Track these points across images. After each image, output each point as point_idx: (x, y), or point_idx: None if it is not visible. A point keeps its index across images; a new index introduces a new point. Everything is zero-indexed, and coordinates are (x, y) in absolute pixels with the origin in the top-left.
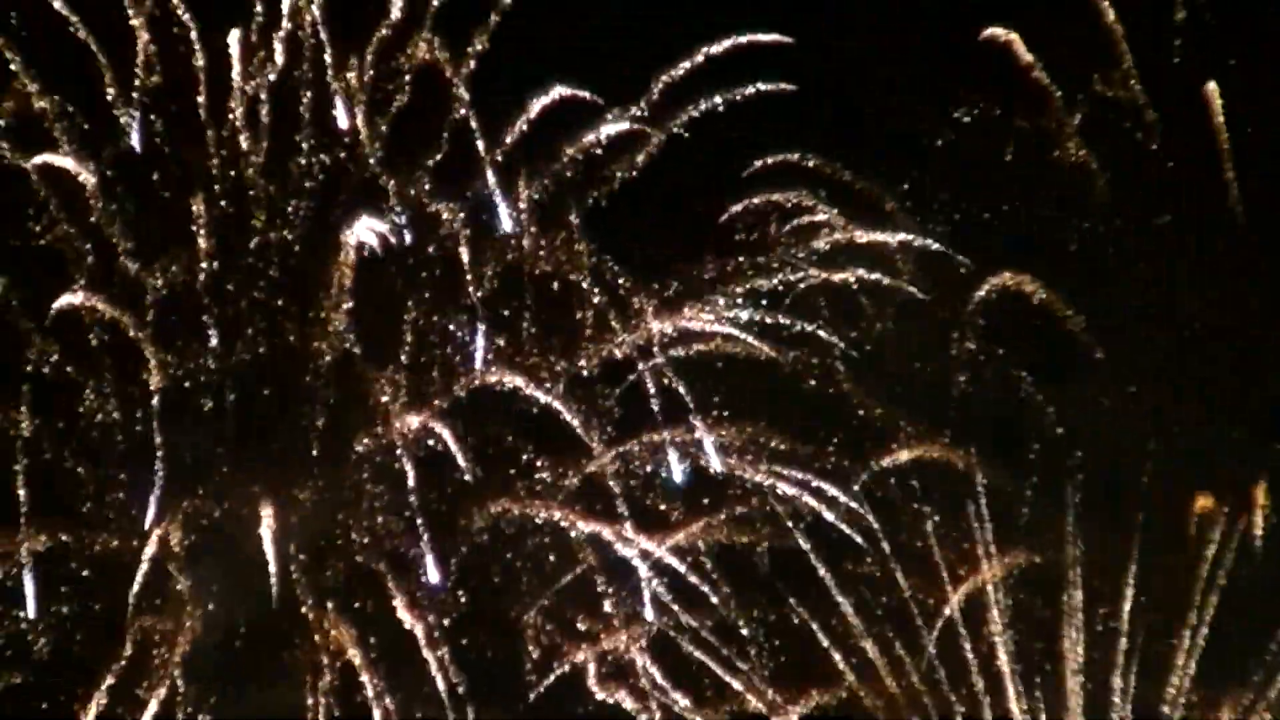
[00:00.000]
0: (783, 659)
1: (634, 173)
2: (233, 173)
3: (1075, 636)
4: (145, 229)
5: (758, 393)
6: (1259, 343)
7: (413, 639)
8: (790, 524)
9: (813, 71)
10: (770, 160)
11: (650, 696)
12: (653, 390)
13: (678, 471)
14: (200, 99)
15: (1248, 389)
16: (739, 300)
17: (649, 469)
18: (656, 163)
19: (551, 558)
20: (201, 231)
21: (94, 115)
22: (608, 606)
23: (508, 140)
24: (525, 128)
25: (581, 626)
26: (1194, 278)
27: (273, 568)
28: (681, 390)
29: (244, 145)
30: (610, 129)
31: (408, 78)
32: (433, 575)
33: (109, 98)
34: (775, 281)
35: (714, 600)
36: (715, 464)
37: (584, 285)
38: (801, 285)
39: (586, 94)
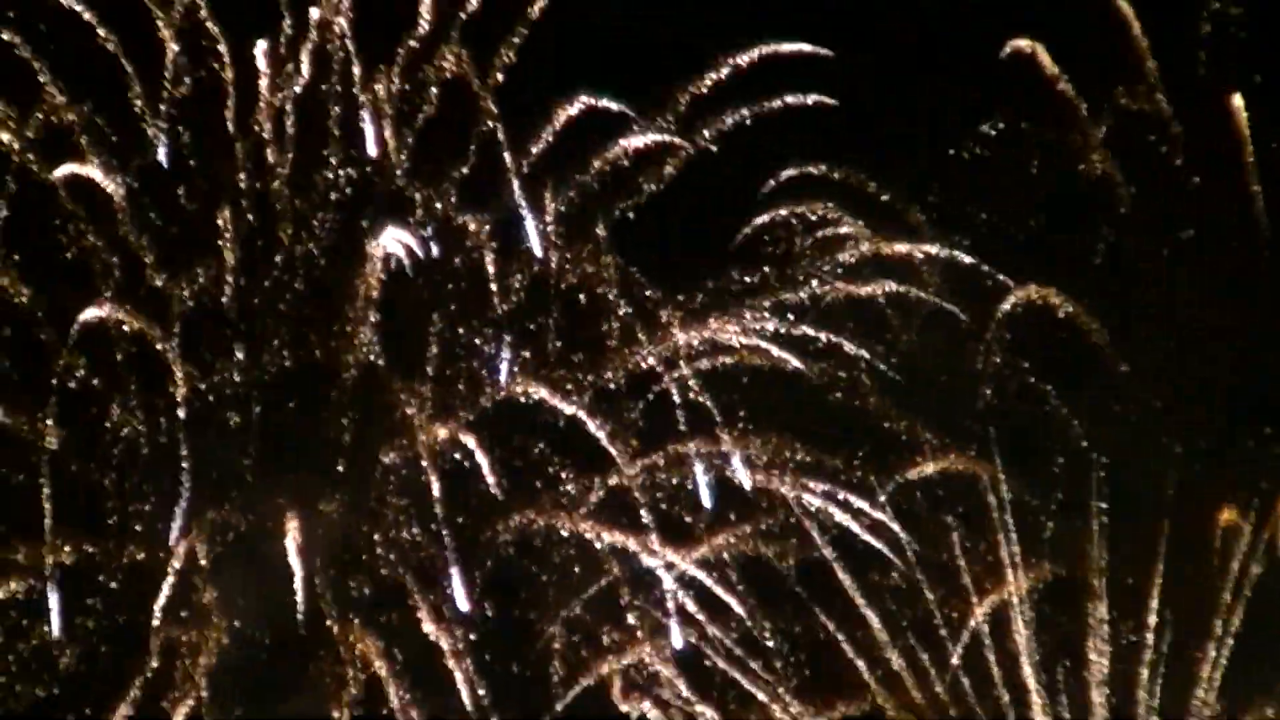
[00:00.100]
0: (808, 671)
1: (661, 185)
2: (259, 185)
3: (1100, 648)
4: (172, 241)
5: (783, 405)
6: None
7: (438, 650)
8: (816, 536)
9: (837, 83)
10: (795, 172)
11: (675, 708)
12: (678, 402)
13: (706, 496)
14: (228, 111)
15: (1273, 400)
16: (765, 312)
17: (675, 481)
18: (681, 173)
19: (577, 570)
20: (228, 244)
21: (121, 127)
22: (633, 618)
23: (534, 152)
24: (552, 139)
25: (607, 639)
26: (1218, 290)
27: (298, 580)
28: (707, 403)
29: (271, 157)
30: (638, 140)
31: (434, 90)
32: (460, 602)
33: (137, 109)
34: (801, 294)
35: (739, 612)
36: (744, 480)
37: (610, 298)
38: (827, 298)
39: (613, 105)
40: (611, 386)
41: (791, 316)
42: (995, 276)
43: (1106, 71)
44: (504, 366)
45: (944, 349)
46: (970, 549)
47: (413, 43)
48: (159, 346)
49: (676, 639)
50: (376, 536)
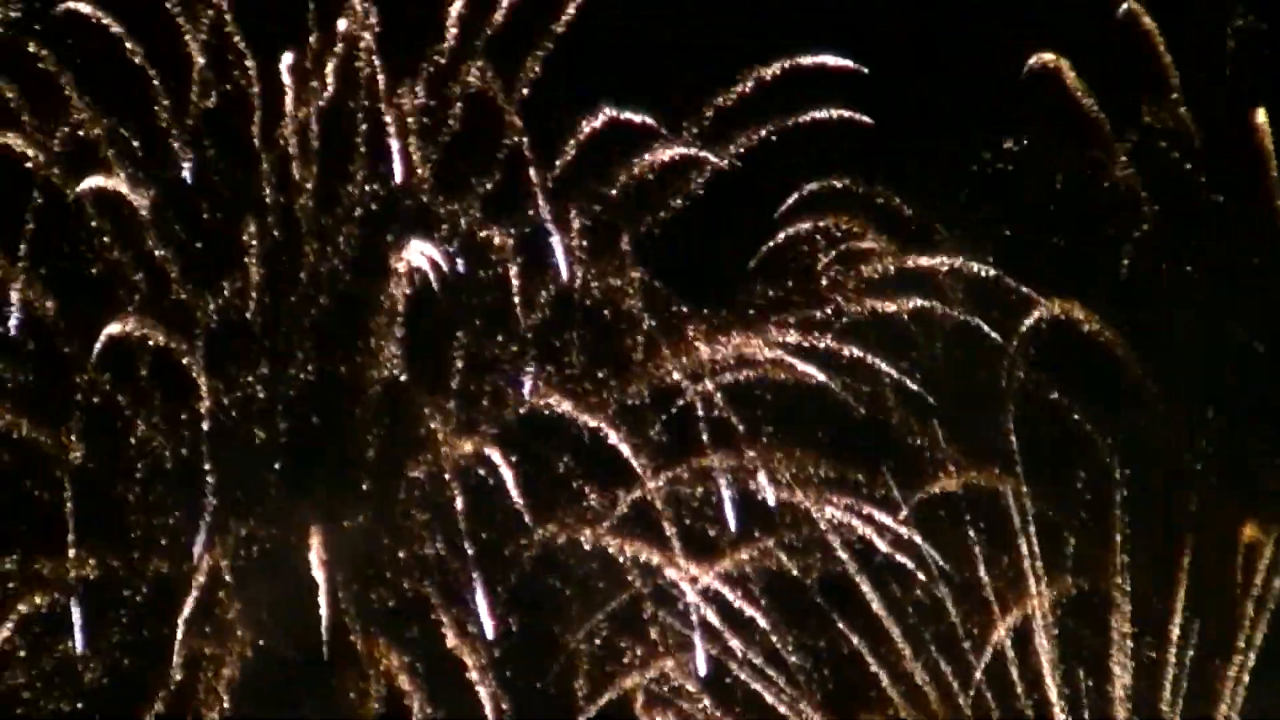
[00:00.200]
0: (831, 685)
1: (687, 201)
2: (284, 199)
3: (1123, 662)
4: (197, 255)
5: (807, 419)
6: None
7: (461, 664)
8: (839, 550)
9: (861, 97)
10: (818, 186)
11: None
12: (702, 416)
13: (730, 513)
14: (254, 125)
15: None
16: (789, 327)
17: (698, 495)
18: (706, 187)
19: (601, 584)
20: (253, 258)
21: (147, 141)
22: (656, 633)
23: (561, 164)
24: (577, 153)
25: (631, 653)
26: (1241, 305)
27: (322, 593)
28: (731, 418)
29: (296, 172)
30: (663, 155)
31: (459, 105)
32: (485, 622)
33: (163, 123)
34: (826, 309)
35: (763, 625)
36: (768, 496)
37: (635, 312)
38: (851, 312)
39: (637, 117)
40: (634, 402)
41: (815, 330)
42: (1019, 291)
43: (1131, 87)
44: (528, 381)
45: (968, 364)
46: (993, 563)
47: (438, 57)
48: (184, 360)
49: (701, 664)
50: (401, 551)
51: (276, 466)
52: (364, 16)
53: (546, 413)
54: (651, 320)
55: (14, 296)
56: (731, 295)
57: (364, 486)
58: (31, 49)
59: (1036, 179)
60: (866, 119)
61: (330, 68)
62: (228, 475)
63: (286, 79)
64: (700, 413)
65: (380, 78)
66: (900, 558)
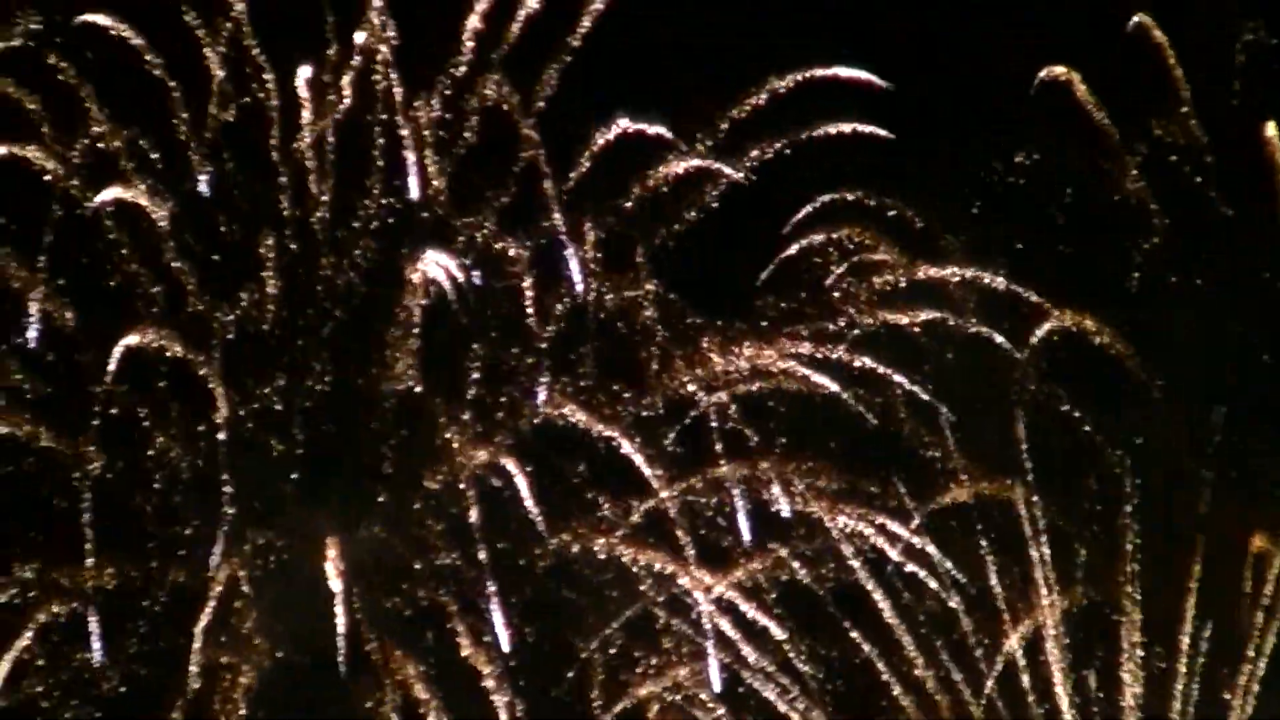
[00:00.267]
0: (844, 694)
1: (701, 213)
2: (300, 211)
3: (1133, 672)
4: (215, 266)
5: (820, 430)
6: None
7: (477, 673)
8: (852, 560)
9: (874, 109)
10: (830, 198)
11: None
12: (716, 427)
13: (744, 526)
14: (272, 137)
15: None
16: (801, 338)
17: (712, 504)
18: (718, 197)
19: (615, 593)
20: (270, 270)
21: (166, 152)
22: (671, 643)
23: (577, 175)
24: (592, 164)
25: (645, 662)
26: (1251, 316)
27: (338, 603)
28: (746, 430)
29: (313, 184)
30: (678, 167)
31: (476, 118)
32: (501, 635)
33: (181, 135)
34: (837, 319)
35: (777, 635)
36: (784, 508)
37: (649, 323)
38: (863, 323)
39: (651, 128)
40: (647, 414)
41: (828, 342)
42: (1030, 302)
43: (1141, 100)
44: (543, 392)
45: (979, 374)
46: (1004, 572)
47: (455, 70)
48: (201, 371)
49: (715, 673)
50: (416, 561)
51: (293, 477)
52: (381, 29)
53: (561, 423)
54: (665, 332)
55: (33, 308)
56: (745, 307)
57: (380, 496)
58: (51, 61)
59: (1047, 191)
60: (885, 133)
61: (347, 80)
62: (245, 485)
63: (304, 92)
64: (714, 423)
65: (397, 91)
66: (912, 567)
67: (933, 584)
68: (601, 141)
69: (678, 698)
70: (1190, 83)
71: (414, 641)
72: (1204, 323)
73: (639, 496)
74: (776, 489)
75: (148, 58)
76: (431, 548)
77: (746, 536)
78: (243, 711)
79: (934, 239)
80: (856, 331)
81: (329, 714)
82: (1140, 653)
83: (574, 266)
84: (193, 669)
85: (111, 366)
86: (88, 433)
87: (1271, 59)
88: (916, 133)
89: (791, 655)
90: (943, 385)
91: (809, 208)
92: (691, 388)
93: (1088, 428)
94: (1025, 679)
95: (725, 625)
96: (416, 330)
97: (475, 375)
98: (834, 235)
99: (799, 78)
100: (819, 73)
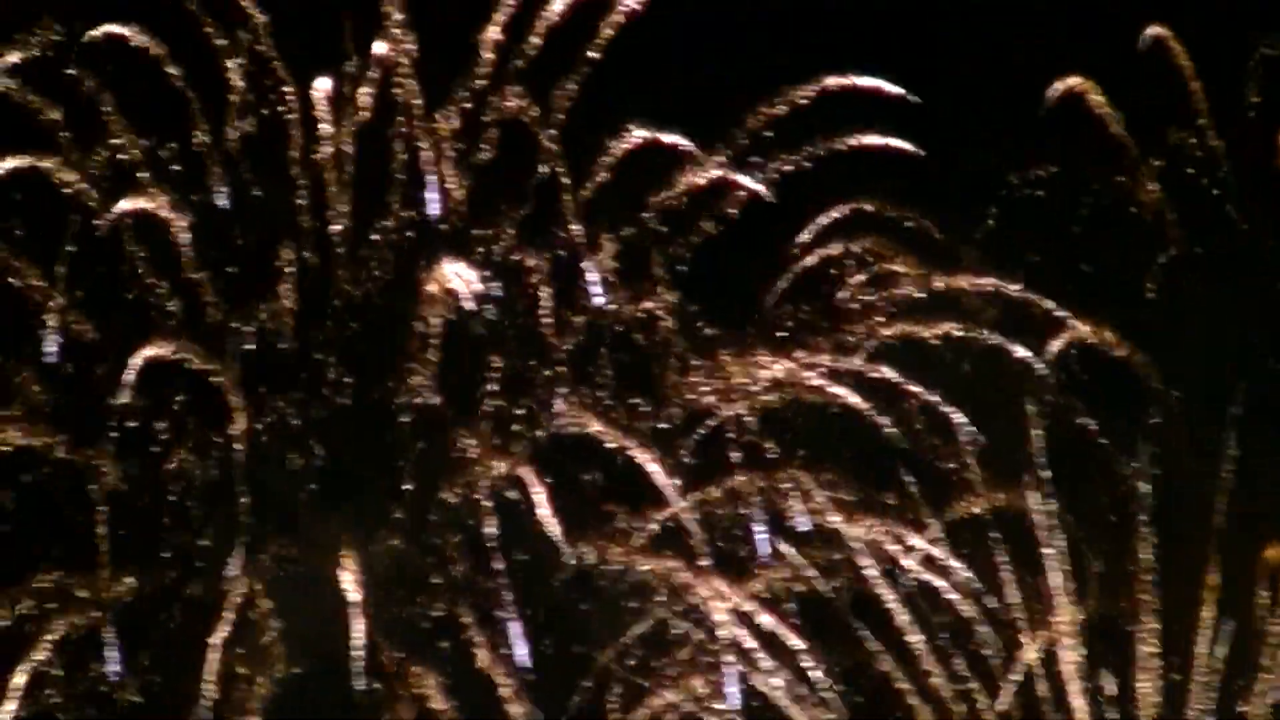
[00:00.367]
0: (861, 704)
1: (721, 225)
2: (318, 223)
3: (1150, 683)
4: (233, 278)
5: (837, 440)
6: None
7: (493, 685)
8: (869, 570)
9: (890, 119)
10: (848, 210)
11: None
12: (733, 437)
13: (762, 542)
14: (291, 149)
15: None
16: (818, 349)
17: (729, 515)
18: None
19: (632, 604)
20: (288, 282)
21: (185, 163)
22: (687, 653)
23: (595, 186)
24: (611, 174)
25: (662, 673)
26: (1269, 327)
27: (355, 614)
28: (763, 441)
29: (331, 196)
30: (699, 177)
31: (494, 131)
32: (518, 646)
33: (200, 147)
34: (854, 330)
35: (793, 645)
36: (804, 524)
37: (667, 335)
38: (880, 334)
39: (669, 138)
40: (665, 426)
41: (845, 353)
42: (1048, 313)
43: (1157, 111)
44: (560, 403)
45: (996, 385)
46: (1021, 584)
47: (475, 81)
48: (218, 383)
49: (732, 684)
50: (433, 573)
51: (311, 488)
52: (401, 41)
53: (578, 434)
54: (683, 343)
55: (51, 319)
56: (763, 318)
57: (397, 508)
58: (71, 71)
59: (1064, 203)
60: (910, 147)
61: (366, 92)
62: (262, 497)
63: (322, 104)
64: (730, 435)
65: (416, 102)
66: (929, 577)
67: (949, 594)
68: (620, 152)
69: (694, 709)
70: (1207, 93)
71: (431, 653)
72: (1221, 333)
73: (656, 508)
74: (796, 503)
75: (168, 69)
76: (449, 559)
77: (764, 550)
78: None
79: (951, 250)
80: (873, 342)
81: None
82: (1157, 663)
83: (592, 277)
84: (209, 680)
85: (128, 378)
86: (104, 444)
87: None
88: (933, 144)
89: (808, 665)
90: (960, 396)
91: (822, 219)
92: (709, 399)
93: (1104, 437)
94: (1041, 689)
95: (742, 635)
96: (434, 342)
97: (493, 387)
98: (851, 246)
99: (817, 88)
100: (838, 82)
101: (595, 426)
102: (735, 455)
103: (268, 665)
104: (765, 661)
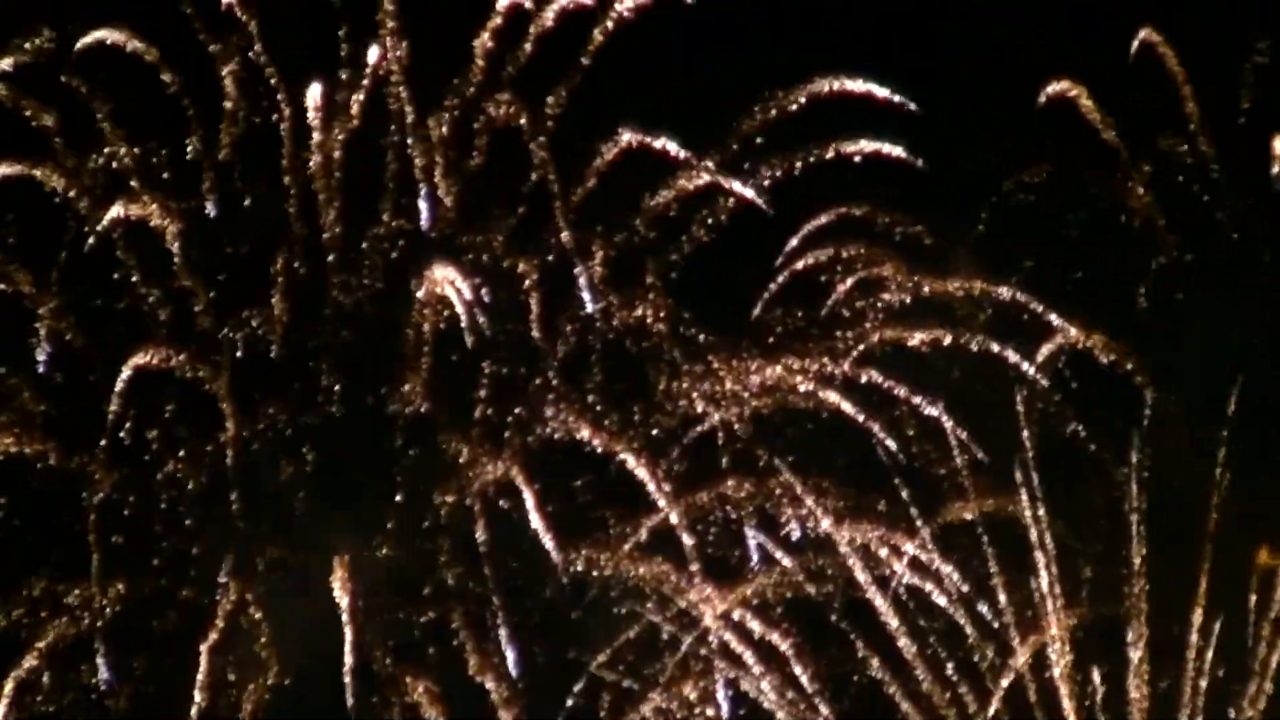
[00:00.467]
0: (851, 710)
1: (713, 236)
2: (310, 230)
3: (1141, 689)
4: (224, 285)
5: (828, 446)
6: None
7: (485, 691)
8: (860, 575)
9: (882, 124)
10: (836, 213)
11: None
12: (724, 443)
13: (754, 547)
14: (283, 155)
15: None
16: (809, 354)
17: (720, 521)
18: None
19: (623, 610)
20: (280, 288)
21: (177, 170)
22: (678, 659)
23: (586, 192)
24: (602, 179)
25: (653, 679)
26: (1260, 331)
27: (346, 620)
28: (755, 445)
29: (323, 202)
30: (691, 183)
31: (485, 138)
32: (509, 653)
33: (192, 154)
34: (845, 336)
35: (784, 651)
36: (795, 531)
37: (658, 340)
38: (870, 339)
39: (661, 144)
40: (657, 432)
41: (836, 359)
42: (1039, 318)
43: (1148, 115)
44: (552, 410)
45: (987, 390)
46: (1012, 589)
47: (466, 88)
48: (210, 389)
49: (722, 690)
50: (425, 579)
51: (302, 495)
52: (393, 48)
53: (570, 441)
54: (674, 349)
55: (43, 329)
56: (754, 324)
57: (389, 514)
58: (64, 78)
59: (1055, 207)
60: (906, 155)
61: (359, 99)
62: (254, 504)
63: (315, 111)
64: (722, 440)
65: (408, 109)
66: (920, 583)
67: (940, 600)
68: (609, 157)
69: (687, 715)
70: (1198, 98)
71: (422, 659)
72: (1212, 337)
73: (648, 514)
74: (788, 510)
75: (163, 77)
76: (441, 566)
77: (754, 557)
78: None
79: (942, 255)
80: (864, 347)
81: None
82: (1147, 668)
83: (583, 284)
84: (200, 687)
85: (120, 385)
86: (97, 451)
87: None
88: (925, 149)
89: (799, 671)
90: (951, 401)
91: (812, 224)
92: (700, 405)
93: (1094, 447)
94: (1032, 694)
95: (733, 641)
96: (426, 349)
97: (484, 393)
98: (841, 251)
99: (807, 93)
100: (829, 86)
101: (586, 432)
102: (726, 460)
103: (259, 671)
104: (756, 666)
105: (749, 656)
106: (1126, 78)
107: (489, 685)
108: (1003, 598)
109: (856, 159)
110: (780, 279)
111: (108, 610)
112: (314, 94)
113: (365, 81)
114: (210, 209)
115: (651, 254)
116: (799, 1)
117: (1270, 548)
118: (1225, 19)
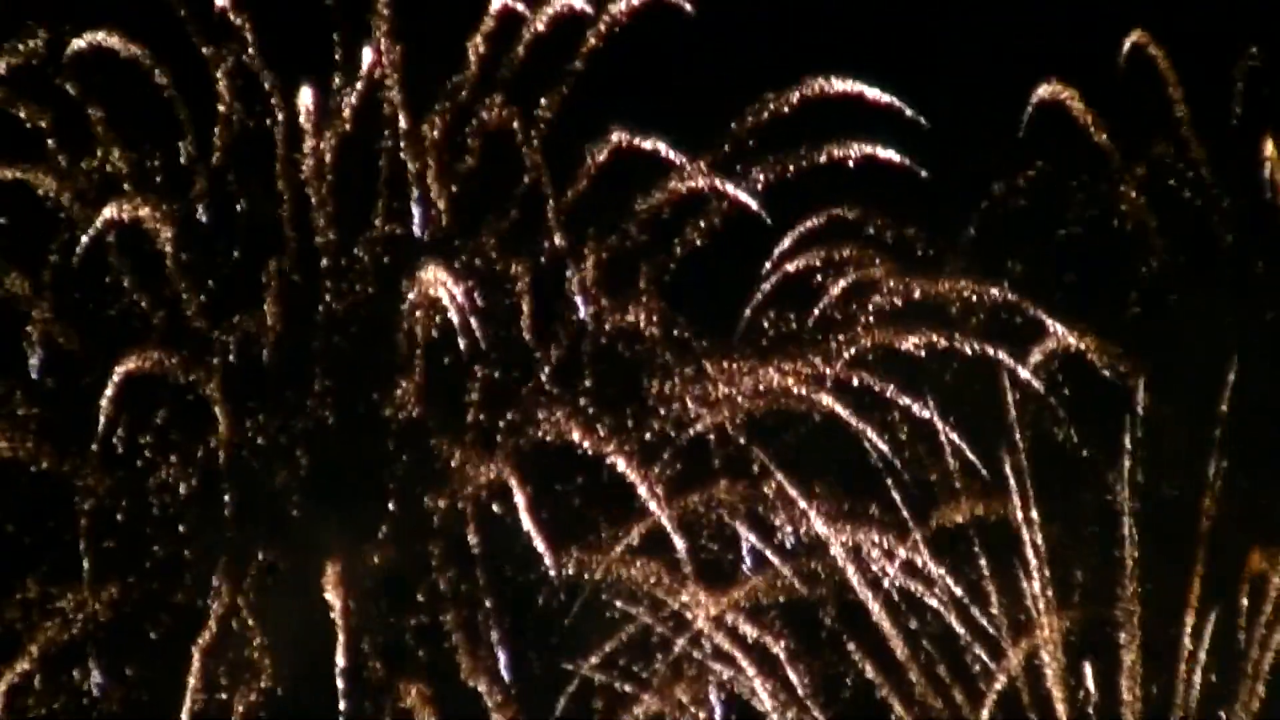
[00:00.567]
0: (844, 713)
1: (706, 240)
2: (303, 233)
3: (1133, 691)
4: (217, 289)
5: (819, 449)
6: None
7: (478, 695)
8: (853, 579)
9: (876, 127)
10: (826, 215)
11: None
12: (717, 447)
13: (747, 551)
14: (276, 159)
15: None
16: (801, 357)
17: (713, 524)
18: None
19: (616, 614)
20: (272, 292)
21: (170, 173)
22: (671, 662)
23: (578, 195)
24: (593, 182)
25: (646, 682)
26: (1251, 333)
27: (339, 624)
28: (748, 449)
29: (315, 206)
30: (683, 185)
31: (478, 141)
32: (502, 657)
33: (185, 157)
34: (836, 339)
35: (777, 654)
36: (788, 537)
37: (651, 344)
38: (862, 342)
39: (653, 146)
40: (649, 436)
41: (828, 362)
42: (1031, 320)
43: (1140, 118)
44: (545, 414)
45: (979, 393)
46: (1004, 592)
47: (459, 91)
48: (202, 393)
49: (715, 693)
50: (418, 583)
51: (295, 499)
52: (386, 52)
53: (563, 444)
54: (667, 353)
55: (35, 332)
56: (747, 327)
57: (382, 519)
58: (57, 80)
59: (1046, 211)
60: (896, 156)
61: (351, 103)
62: (247, 508)
63: (307, 114)
64: (715, 443)
65: (401, 113)
66: (913, 586)
67: (933, 603)
68: (601, 159)
69: (677, 717)
70: (1190, 101)
71: (415, 663)
72: (1204, 340)
73: (640, 517)
74: (780, 514)
75: (156, 79)
76: (433, 569)
77: (747, 559)
78: None
79: (934, 258)
80: (855, 350)
81: None
82: (1139, 670)
83: (576, 287)
84: (192, 692)
85: (112, 389)
86: (89, 455)
87: (1271, 77)
88: (917, 152)
89: (791, 674)
90: (943, 404)
91: (802, 227)
92: (693, 408)
93: (1088, 445)
94: (1025, 697)
95: (726, 645)
96: (418, 352)
97: (476, 397)
98: (834, 254)
99: (799, 95)
100: (821, 88)
101: (579, 435)
102: (718, 463)
103: (252, 675)
104: (748, 669)
105: (742, 659)
106: (1118, 81)
107: (481, 688)
108: (995, 600)
109: (849, 162)
110: (772, 282)
111: (100, 614)
112: (307, 98)
113: (358, 85)
114: (203, 213)
115: (644, 257)
116: (792, 4)
117: (1262, 550)
118: (1216, 22)
